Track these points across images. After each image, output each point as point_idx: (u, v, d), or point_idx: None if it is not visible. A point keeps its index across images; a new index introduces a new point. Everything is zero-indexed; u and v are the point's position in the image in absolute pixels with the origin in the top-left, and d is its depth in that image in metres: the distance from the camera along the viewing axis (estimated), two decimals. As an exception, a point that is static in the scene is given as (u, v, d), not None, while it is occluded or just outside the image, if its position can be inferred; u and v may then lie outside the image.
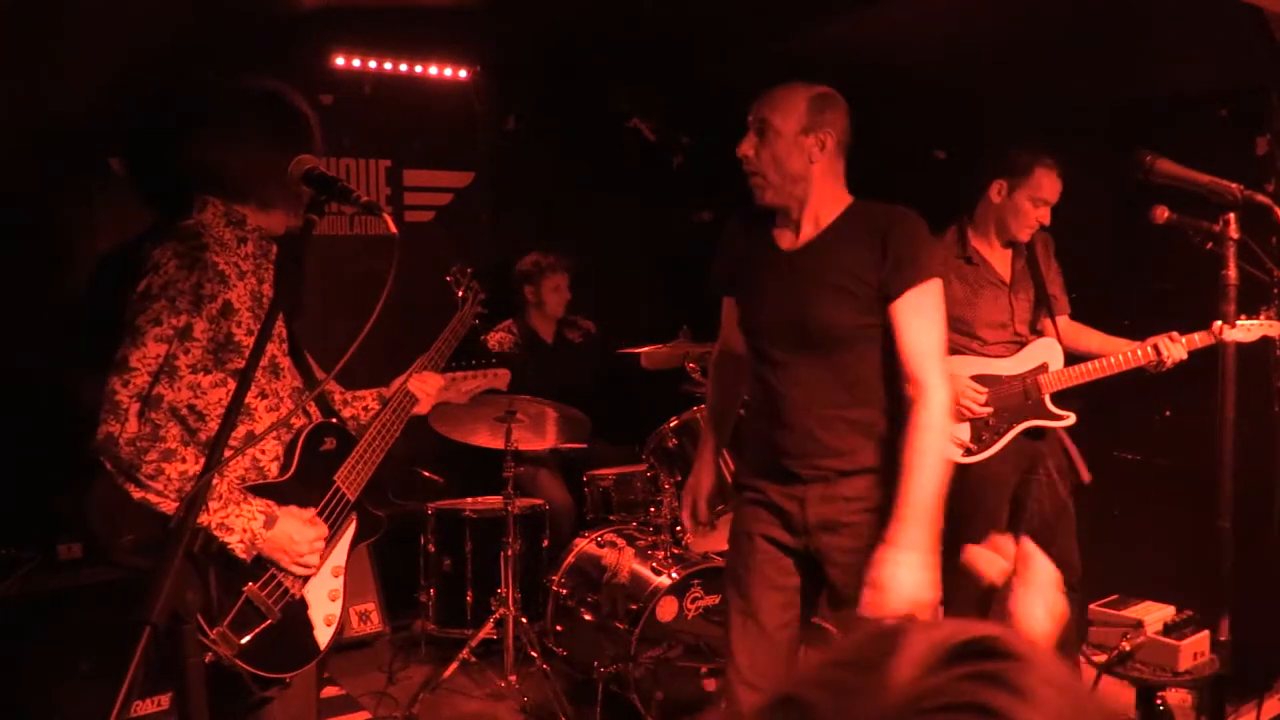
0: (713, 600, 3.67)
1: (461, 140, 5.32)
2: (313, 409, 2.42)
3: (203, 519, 2.04)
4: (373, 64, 4.97)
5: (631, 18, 4.62)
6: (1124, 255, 4.00)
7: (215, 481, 2.06)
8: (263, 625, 2.14)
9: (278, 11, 4.31)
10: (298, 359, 2.40)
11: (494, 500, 4.28)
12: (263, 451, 2.23)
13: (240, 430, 2.17)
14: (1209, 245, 2.50)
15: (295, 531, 2.17)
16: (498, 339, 4.87)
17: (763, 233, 2.50)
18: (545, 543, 4.37)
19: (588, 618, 3.87)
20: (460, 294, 3.08)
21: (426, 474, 4.44)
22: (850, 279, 2.35)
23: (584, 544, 4.04)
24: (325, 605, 2.32)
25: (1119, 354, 3.45)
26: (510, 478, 3.99)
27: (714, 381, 2.86)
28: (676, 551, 3.77)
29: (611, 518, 4.12)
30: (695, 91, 5.25)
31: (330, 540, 2.30)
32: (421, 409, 2.64)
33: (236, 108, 2.27)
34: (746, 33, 4.66)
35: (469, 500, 4.45)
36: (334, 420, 2.45)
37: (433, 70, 5.15)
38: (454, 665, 3.87)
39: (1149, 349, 3.40)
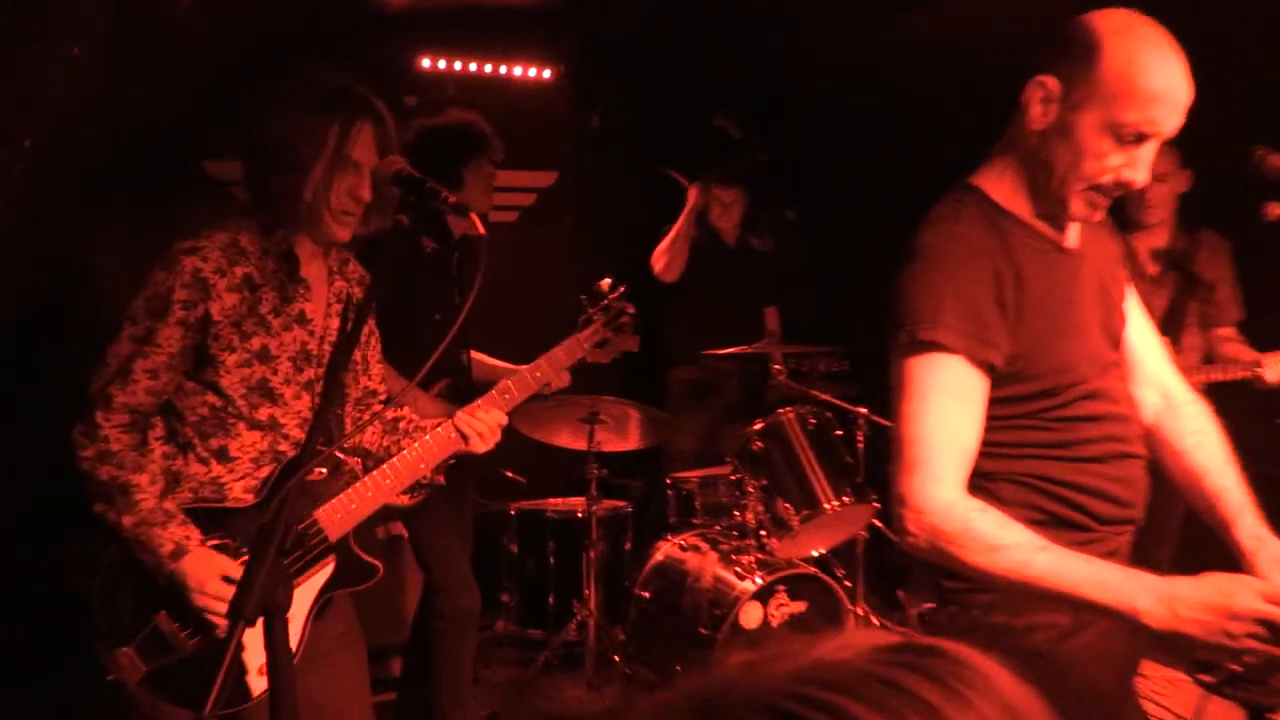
0: (799, 607, 3.63)
1: (545, 140, 5.34)
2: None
3: (126, 529, 2.00)
4: (457, 65, 5.04)
5: (714, 15, 4.61)
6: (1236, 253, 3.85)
7: (141, 498, 2.01)
8: (171, 658, 2.04)
9: (366, 14, 4.39)
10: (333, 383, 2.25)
11: (577, 501, 4.29)
12: (230, 471, 2.10)
13: (214, 443, 2.09)
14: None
15: (204, 578, 2.02)
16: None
17: (1021, 229, 1.79)
18: (628, 545, 4.37)
19: (670, 622, 3.85)
20: (589, 315, 2.64)
21: (510, 474, 4.47)
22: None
23: (667, 547, 4.03)
24: (262, 653, 2.02)
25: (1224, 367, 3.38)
26: (593, 479, 4.01)
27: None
28: (761, 557, 3.73)
29: (695, 521, 4.10)
30: (780, 87, 5.21)
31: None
32: (473, 449, 2.29)
33: (277, 102, 2.13)
34: (833, 23, 4.61)
35: (551, 501, 4.47)
36: (324, 449, 2.17)
37: (516, 71, 5.21)
38: (535, 667, 3.90)
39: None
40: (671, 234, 4.74)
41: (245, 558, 2.07)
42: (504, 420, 2.35)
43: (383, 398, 2.43)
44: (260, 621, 2.07)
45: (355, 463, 2.29)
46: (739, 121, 5.43)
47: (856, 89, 4.81)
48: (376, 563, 2.25)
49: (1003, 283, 1.72)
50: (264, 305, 2.10)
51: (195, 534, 2.05)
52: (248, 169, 2.16)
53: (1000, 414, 1.75)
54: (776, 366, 4.22)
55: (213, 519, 2.08)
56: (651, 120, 5.33)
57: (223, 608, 2.00)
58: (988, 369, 1.71)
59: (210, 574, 2.03)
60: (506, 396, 2.40)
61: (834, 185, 5.14)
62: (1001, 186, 1.81)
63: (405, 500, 2.39)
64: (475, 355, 3.48)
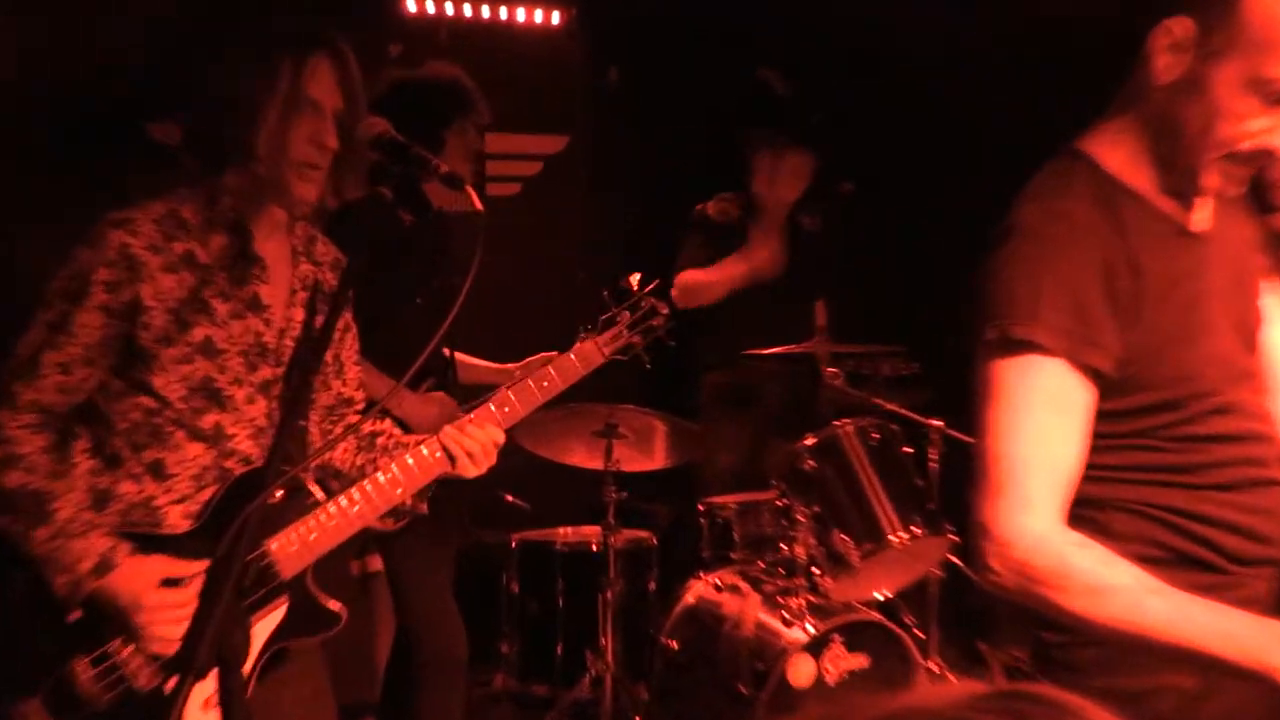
0: (859, 662, 3.58)
1: (553, 98, 5.35)
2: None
3: (37, 543, 1.98)
4: (450, 8, 5.04)
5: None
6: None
7: (57, 506, 2.00)
8: (84, 713, 2.00)
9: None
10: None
11: (591, 531, 4.27)
12: (166, 490, 2.09)
13: (147, 455, 2.08)
14: None
15: (139, 590, 2.00)
16: (718, 209, 4.75)
17: (1140, 207, 1.77)
18: (652, 584, 4.34)
19: (703, 678, 3.82)
20: (612, 315, 2.53)
21: (510, 498, 4.46)
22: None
23: (699, 588, 4.00)
24: (195, 715, 1.97)
25: None
26: (610, 504, 3.98)
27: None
28: (813, 600, 3.69)
29: (733, 556, 4.06)
30: (834, 32, 5.14)
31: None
32: (463, 472, 2.25)
33: (223, 48, 2.19)
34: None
35: (561, 531, 4.45)
36: (284, 468, 2.06)
37: (520, 15, 5.23)
38: (541, 730, 3.87)
39: None
40: (719, 273, 4.48)
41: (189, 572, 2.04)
42: (500, 439, 2.30)
43: (359, 407, 2.42)
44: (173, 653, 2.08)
45: (333, 487, 2.26)
46: (785, 74, 5.38)
47: (926, 36, 4.75)
48: (337, 608, 2.18)
49: (1115, 272, 1.70)
50: (208, 289, 2.09)
51: (124, 546, 2.02)
52: (193, 129, 2.20)
53: (1109, 431, 1.73)
54: (830, 369, 4.20)
55: (144, 548, 2.05)
56: (680, 74, 5.32)
57: (173, 617, 2.01)
58: (1094, 375, 1.70)
59: (146, 583, 2.01)
60: (506, 410, 2.33)
61: (899, 150, 5.09)
62: (1117, 153, 1.78)
63: (389, 524, 2.37)
64: (460, 356, 3.50)
